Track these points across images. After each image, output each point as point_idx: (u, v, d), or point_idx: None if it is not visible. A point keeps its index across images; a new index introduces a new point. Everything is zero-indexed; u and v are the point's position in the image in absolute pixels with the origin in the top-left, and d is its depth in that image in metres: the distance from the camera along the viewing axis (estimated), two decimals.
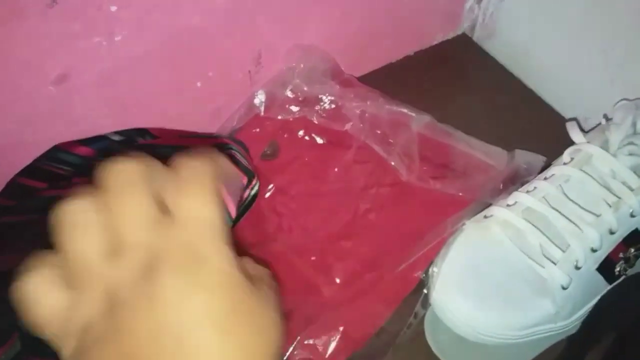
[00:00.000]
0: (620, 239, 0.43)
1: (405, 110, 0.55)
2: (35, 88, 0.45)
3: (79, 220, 0.22)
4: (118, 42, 0.46)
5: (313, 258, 0.48)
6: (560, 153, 0.48)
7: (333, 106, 0.56)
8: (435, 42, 0.71)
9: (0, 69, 0.43)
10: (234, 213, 0.29)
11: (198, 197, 0.23)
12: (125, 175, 0.22)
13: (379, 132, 0.55)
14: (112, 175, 0.22)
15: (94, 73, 0.47)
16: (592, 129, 0.52)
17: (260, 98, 0.56)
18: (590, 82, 0.59)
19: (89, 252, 0.22)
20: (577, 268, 0.42)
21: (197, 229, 0.22)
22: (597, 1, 0.54)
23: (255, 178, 0.46)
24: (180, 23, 0.48)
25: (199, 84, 0.53)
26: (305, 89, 0.56)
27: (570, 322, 0.44)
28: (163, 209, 0.22)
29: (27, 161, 0.49)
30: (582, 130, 0.48)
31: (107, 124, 0.51)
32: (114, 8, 0.44)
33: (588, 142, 0.46)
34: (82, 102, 0.48)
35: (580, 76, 0.60)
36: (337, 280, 0.47)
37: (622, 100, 0.52)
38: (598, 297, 0.44)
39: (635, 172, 0.43)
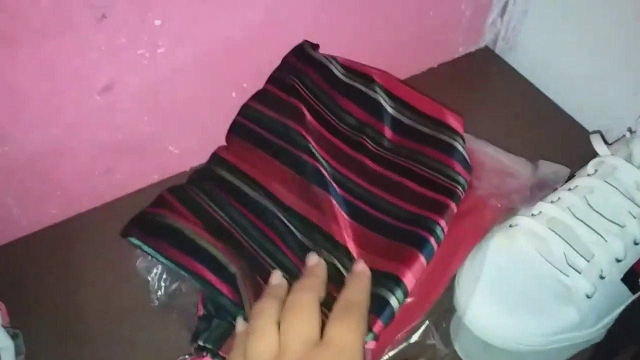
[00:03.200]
0: None
1: None
2: (81, 97, 0.48)
3: (263, 324, 0.33)
4: (160, 54, 0.48)
5: None
6: (583, 165, 0.49)
7: None
8: (458, 55, 0.73)
9: (51, 78, 0.45)
10: (379, 329, 0.39)
11: (346, 328, 0.32)
12: (306, 299, 0.34)
13: None
14: (296, 297, 0.35)
15: (137, 83, 0.49)
16: (616, 141, 0.53)
17: None
18: (613, 94, 0.60)
19: (262, 351, 0.32)
20: (602, 278, 0.43)
21: (341, 355, 0.31)
22: (620, 13, 0.55)
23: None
24: (217, 35, 0.51)
25: (234, 94, 0.56)
26: None
27: (594, 330, 0.44)
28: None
29: (75, 166, 0.52)
30: (605, 142, 0.49)
31: (146, 132, 0.53)
32: (157, 22, 0.46)
33: (612, 155, 0.47)
34: (123, 111, 0.51)
35: (603, 88, 0.61)
36: None
37: None
38: (622, 307, 0.45)
39: None
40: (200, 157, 0.59)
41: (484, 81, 0.70)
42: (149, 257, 0.47)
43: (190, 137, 0.57)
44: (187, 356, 0.43)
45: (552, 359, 0.45)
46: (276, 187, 0.49)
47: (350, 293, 0.37)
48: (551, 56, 0.66)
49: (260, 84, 0.57)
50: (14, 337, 0.44)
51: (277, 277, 0.40)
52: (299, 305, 0.34)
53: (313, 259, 0.41)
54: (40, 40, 0.42)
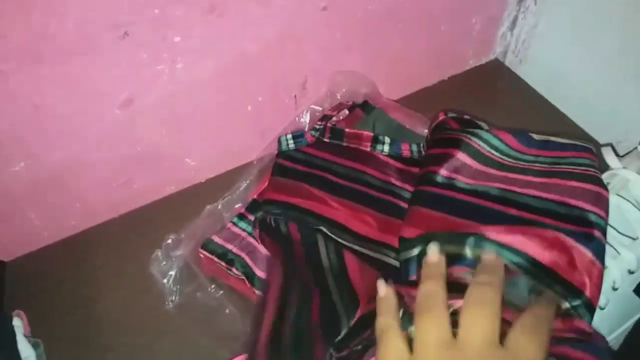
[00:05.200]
0: None
1: None
2: (103, 112, 0.49)
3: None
4: (179, 70, 0.50)
5: None
6: None
7: None
8: (468, 67, 0.73)
9: (74, 95, 0.47)
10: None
11: (535, 344, 0.30)
12: (490, 296, 0.31)
13: None
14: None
15: (156, 97, 0.51)
16: (627, 153, 0.53)
17: (304, 120, 0.59)
18: (624, 106, 0.61)
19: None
20: (614, 289, 0.43)
21: None
22: (630, 26, 0.56)
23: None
24: (234, 51, 0.52)
25: (249, 108, 0.57)
26: (347, 112, 0.59)
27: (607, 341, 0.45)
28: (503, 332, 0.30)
29: (95, 179, 0.53)
30: (616, 154, 0.49)
31: (164, 144, 0.55)
32: (177, 39, 0.48)
33: (624, 167, 0.47)
34: (143, 124, 0.52)
35: (613, 100, 0.62)
36: None
37: None
38: (634, 318, 0.45)
39: None
40: (216, 170, 0.60)
41: (494, 93, 0.71)
42: (163, 262, 0.48)
43: (207, 149, 0.58)
44: None
45: None
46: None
47: (539, 308, 0.33)
48: (561, 69, 0.67)
49: (275, 97, 0.58)
50: (35, 346, 0.45)
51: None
52: (482, 301, 0.31)
53: (491, 255, 0.36)
54: (65, 59, 0.43)
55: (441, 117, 0.53)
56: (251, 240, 0.51)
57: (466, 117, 0.53)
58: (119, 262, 0.53)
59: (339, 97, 0.60)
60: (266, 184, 0.53)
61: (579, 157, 0.47)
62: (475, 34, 0.69)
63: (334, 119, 0.58)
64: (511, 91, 0.71)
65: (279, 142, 0.56)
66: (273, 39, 0.53)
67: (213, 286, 0.49)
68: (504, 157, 0.48)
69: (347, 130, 0.56)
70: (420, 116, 0.60)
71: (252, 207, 0.53)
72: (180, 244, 0.50)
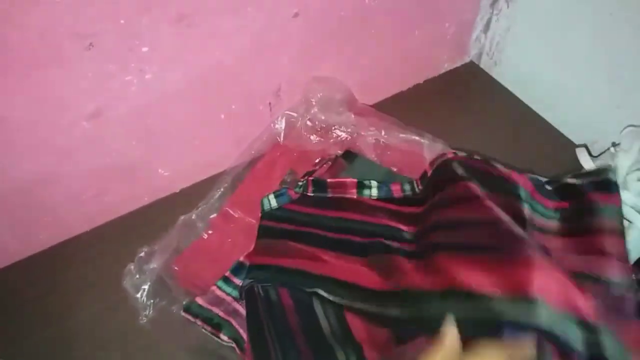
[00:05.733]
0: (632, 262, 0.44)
1: (417, 138, 0.57)
2: (70, 124, 0.48)
3: None
4: (148, 80, 0.49)
5: None
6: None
7: (349, 137, 0.59)
8: (443, 70, 0.74)
9: (39, 107, 0.45)
10: None
11: None
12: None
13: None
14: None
15: (125, 108, 0.50)
16: (601, 153, 0.54)
17: (279, 127, 0.59)
18: (597, 107, 0.61)
19: None
20: None
21: None
22: (603, 27, 0.56)
23: None
24: (207, 61, 0.51)
25: (222, 116, 0.56)
26: (323, 117, 0.59)
27: None
28: None
29: (65, 192, 0.52)
30: (590, 154, 0.50)
31: (136, 155, 0.54)
32: (145, 49, 0.47)
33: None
34: (113, 136, 0.51)
35: (587, 101, 0.62)
36: None
37: (628, 126, 0.53)
38: None
39: None
40: (190, 179, 0.59)
41: (470, 95, 0.71)
42: (136, 276, 0.47)
43: (180, 159, 0.57)
44: None
45: None
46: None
47: None
48: (535, 70, 0.67)
49: (249, 105, 0.57)
50: None
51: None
52: None
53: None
54: (28, 71, 0.42)
55: (449, 155, 0.50)
56: (237, 306, 0.47)
57: (476, 157, 0.50)
58: (91, 277, 0.52)
59: (314, 103, 0.59)
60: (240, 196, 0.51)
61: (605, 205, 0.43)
62: (449, 38, 0.70)
63: (316, 173, 0.55)
64: (486, 92, 0.72)
65: (262, 203, 0.53)
66: (245, 48, 0.52)
67: (191, 299, 0.48)
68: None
69: (329, 180, 0.53)
70: (395, 121, 0.60)
71: (237, 269, 0.50)
72: (153, 257, 0.49)
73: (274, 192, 0.53)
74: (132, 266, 0.48)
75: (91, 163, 0.52)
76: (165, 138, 0.55)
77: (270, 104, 0.59)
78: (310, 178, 0.54)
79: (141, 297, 0.47)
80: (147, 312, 0.47)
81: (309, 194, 0.53)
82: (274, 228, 0.50)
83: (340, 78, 0.61)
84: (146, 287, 0.47)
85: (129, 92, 0.49)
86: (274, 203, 0.52)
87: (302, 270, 0.45)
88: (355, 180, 0.53)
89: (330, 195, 0.53)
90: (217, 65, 0.52)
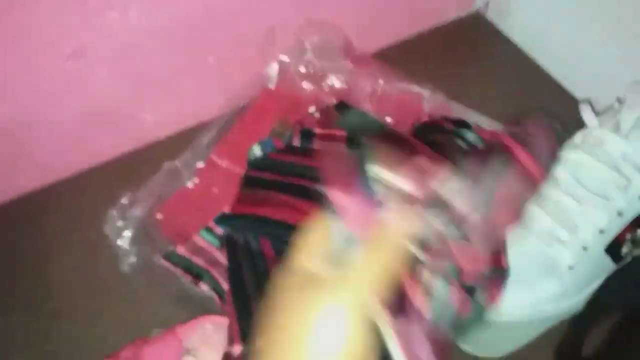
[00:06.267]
0: (629, 221, 0.43)
1: (417, 89, 0.55)
2: (51, 63, 0.46)
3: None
4: (133, 18, 0.46)
5: None
6: (572, 133, 0.48)
7: (344, 85, 0.56)
8: (448, 20, 0.70)
9: (18, 44, 0.43)
10: None
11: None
12: None
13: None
14: None
15: (109, 48, 0.47)
16: (605, 110, 0.52)
17: (271, 73, 0.56)
18: (604, 63, 0.59)
19: None
20: (585, 249, 0.42)
21: None
22: None
23: None
24: (195, 0, 0.48)
25: (211, 60, 0.54)
26: (317, 64, 0.56)
27: (576, 300, 0.44)
28: None
29: (46, 135, 0.50)
30: (594, 111, 0.48)
31: (120, 98, 0.51)
32: None
33: (600, 125, 0.46)
34: (96, 78, 0.49)
35: (594, 57, 0.60)
36: None
37: (634, 82, 0.51)
38: (602, 277, 0.45)
39: None
40: (175, 127, 0.57)
41: (475, 47, 0.68)
42: (118, 222, 0.46)
43: (166, 105, 0.55)
44: (160, 329, 0.42)
45: (532, 329, 0.45)
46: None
47: None
48: (543, 23, 0.64)
49: (239, 48, 0.55)
50: None
51: None
52: None
53: None
54: (6, 7, 0.40)
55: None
56: (218, 255, 0.46)
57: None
58: (72, 223, 0.50)
59: (308, 48, 0.56)
60: (227, 141, 0.50)
61: None
62: None
63: (306, 123, 0.53)
64: (492, 46, 0.68)
65: (248, 153, 0.51)
66: None
67: (171, 248, 0.47)
68: None
69: (317, 131, 0.51)
70: (394, 70, 0.57)
71: (221, 220, 0.48)
72: (136, 204, 0.47)
73: (259, 141, 0.51)
74: (114, 212, 0.47)
75: (73, 106, 0.50)
76: (151, 82, 0.52)
77: (262, 48, 0.56)
78: (299, 128, 0.52)
79: (123, 244, 0.46)
80: (129, 260, 0.46)
81: (295, 144, 0.51)
82: (257, 178, 0.49)
83: (337, 22, 0.58)
84: (128, 233, 0.46)
85: (113, 30, 0.46)
86: (258, 152, 0.51)
87: (285, 222, 0.44)
88: (345, 134, 0.50)
89: (317, 146, 0.50)
90: (206, 3, 0.49)
